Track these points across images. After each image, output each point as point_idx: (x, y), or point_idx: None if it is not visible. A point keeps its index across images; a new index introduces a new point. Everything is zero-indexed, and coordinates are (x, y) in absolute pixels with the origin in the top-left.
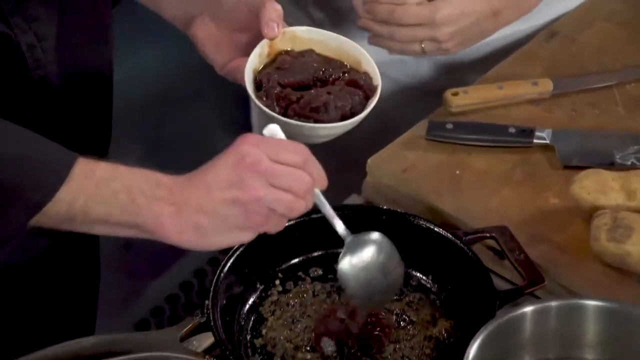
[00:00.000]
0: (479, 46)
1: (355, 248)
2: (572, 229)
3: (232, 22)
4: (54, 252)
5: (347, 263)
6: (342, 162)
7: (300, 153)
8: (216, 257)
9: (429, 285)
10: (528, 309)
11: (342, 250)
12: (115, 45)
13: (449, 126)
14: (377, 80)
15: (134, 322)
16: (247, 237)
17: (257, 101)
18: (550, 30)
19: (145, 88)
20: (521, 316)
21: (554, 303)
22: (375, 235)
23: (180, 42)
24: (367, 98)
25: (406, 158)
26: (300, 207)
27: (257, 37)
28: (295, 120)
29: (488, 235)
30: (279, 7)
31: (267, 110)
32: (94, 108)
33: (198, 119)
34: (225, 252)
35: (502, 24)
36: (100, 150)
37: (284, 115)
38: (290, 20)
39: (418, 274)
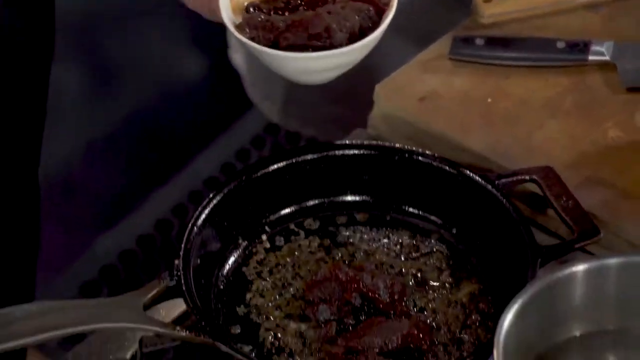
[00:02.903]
0: None
1: None
2: (638, 168)
3: None
4: None
5: None
6: (342, 88)
7: None
8: (183, 204)
9: (452, 241)
10: (579, 268)
11: None
12: None
13: (479, 42)
14: None
15: (79, 284)
16: None
17: (238, 35)
18: None
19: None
20: (570, 277)
21: (612, 260)
22: None
23: None
24: (379, 14)
25: (424, 83)
26: None
27: None
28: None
29: (528, 178)
30: None
31: (253, 44)
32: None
33: (157, 37)
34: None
35: None
36: (37, 84)
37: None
38: None
39: (439, 227)
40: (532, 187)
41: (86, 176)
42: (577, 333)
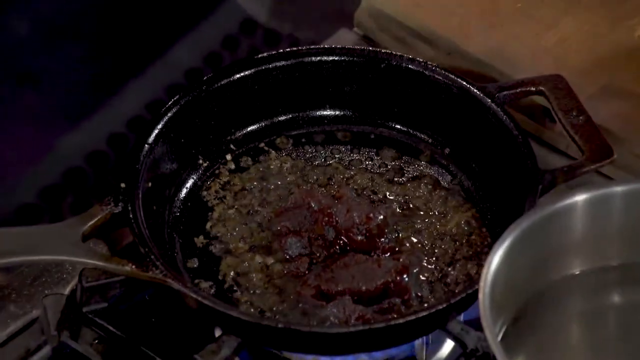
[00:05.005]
0: None
1: None
2: None
3: None
4: None
5: None
6: None
7: None
8: (161, 100)
9: (444, 162)
10: (580, 197)
11: None
12: None
13: None
14: None
15: (38, 189)
16: None
17: None
18: None
19: None
20: (570, 208)
21: (618, 188)
22: None
23: None
24: None
25: None
26: None
27: None
28: None
29: (534, 89)
30: None
31: None
32: None
33: None
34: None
35: None
36: None
37: None
38: None
39: (429, 147)
40: (540, 100)
41: (49, 66)
42: (577, 270)
